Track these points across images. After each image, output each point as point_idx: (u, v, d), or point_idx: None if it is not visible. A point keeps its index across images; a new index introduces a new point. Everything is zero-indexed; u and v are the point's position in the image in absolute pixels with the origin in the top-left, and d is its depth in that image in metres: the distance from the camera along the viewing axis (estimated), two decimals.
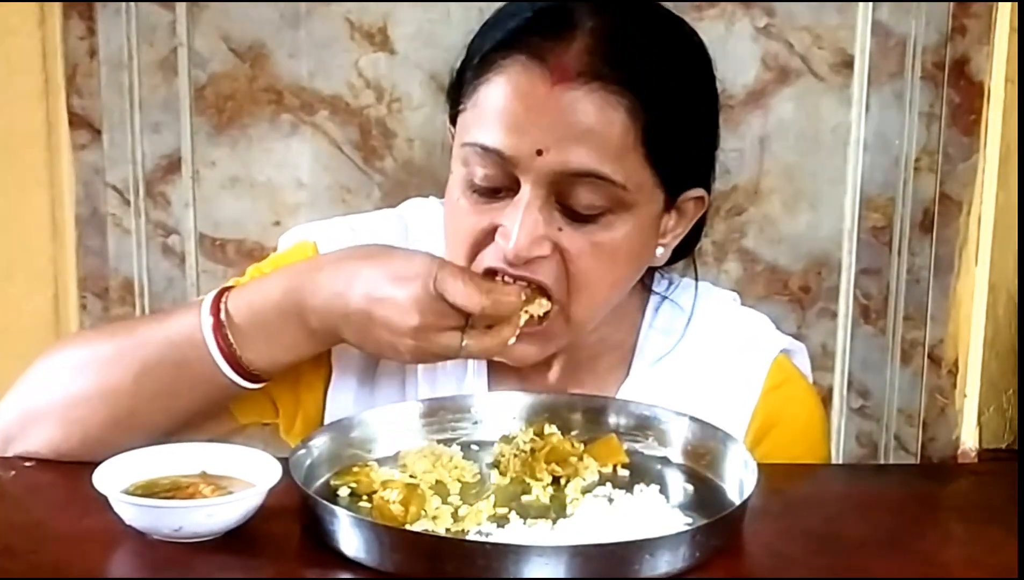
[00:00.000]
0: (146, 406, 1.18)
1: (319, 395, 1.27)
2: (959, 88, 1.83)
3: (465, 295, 1.12)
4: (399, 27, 1.82)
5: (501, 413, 1.23)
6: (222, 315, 1.16)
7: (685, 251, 1.31)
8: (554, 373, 1.33)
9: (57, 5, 1.80)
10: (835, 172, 1.86)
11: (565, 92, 1.14)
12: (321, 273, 1.17)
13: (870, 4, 1.80)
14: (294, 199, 1.86)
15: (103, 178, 1.85)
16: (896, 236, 1.87)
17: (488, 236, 1.19)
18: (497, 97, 1.16)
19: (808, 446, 1.33)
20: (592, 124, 1.14)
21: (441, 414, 1.22)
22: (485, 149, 1.16)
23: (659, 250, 1.25)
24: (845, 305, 1.89)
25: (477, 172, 1.18)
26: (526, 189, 1.16)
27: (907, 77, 1.83)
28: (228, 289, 1.19)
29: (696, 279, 1.34)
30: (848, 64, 1.83)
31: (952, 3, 1.80)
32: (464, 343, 1.14)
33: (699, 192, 1.25)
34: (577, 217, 1.17)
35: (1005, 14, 1.78)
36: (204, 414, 1.22)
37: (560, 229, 1.17)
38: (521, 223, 1.15)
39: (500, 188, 1.18)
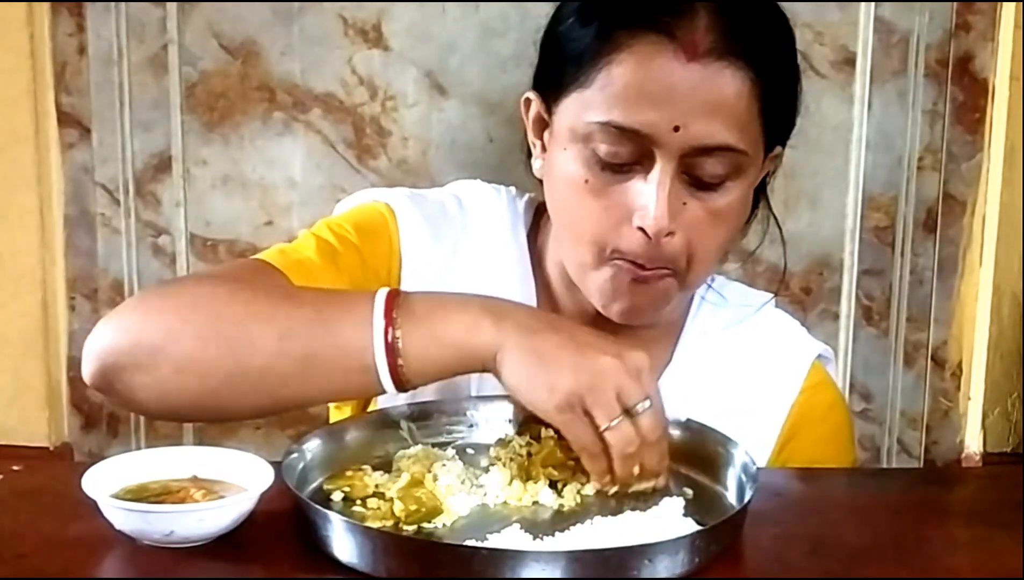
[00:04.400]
0: (282, 372, 1.11)
1: None
2: (963, 86, 1.82)
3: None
4: (393, 24, 1.81)
5: (497, 417, 1.21)
6: (398, 349, 1.09)
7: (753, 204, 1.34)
8: None
9: (45, 3, 1.78)
10: (837, 171, 1.85)
11: (697, 68, 1.16)
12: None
13: (872, 1, 1.79)
14: (286, 198, 1.85)
15: (92, 177, 1.84)
16: (899, 236, 1.87)
17: (618, 221, 1.21)
18: (630, 75, 1.18)
19: (836, 448, 1.37)
20: (723, 98, 1.17)
21: (436, 418, 1.22)
22: (622, 129, 1.18)
23: None
24: (847, 306, 1.88)
25: (602, 148, 1.19)
26: (660, 164, 1.18)
27: (910, 75, 1.82)
28: (396, 297, 1.11)
29: (778, 224, 1.38)
30: (850, 61, 1.82)
31: (956, 0, 1.79)
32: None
33: (778, 149, 1.29)
34: (702, 186, 1.20)
35: (1009, 11, 1.77)
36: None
37: (684, 203, 1.20)
38: (660, 198, 1.18)
39: (626, 162, 1.20)
